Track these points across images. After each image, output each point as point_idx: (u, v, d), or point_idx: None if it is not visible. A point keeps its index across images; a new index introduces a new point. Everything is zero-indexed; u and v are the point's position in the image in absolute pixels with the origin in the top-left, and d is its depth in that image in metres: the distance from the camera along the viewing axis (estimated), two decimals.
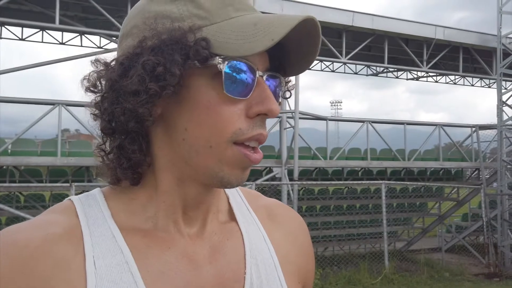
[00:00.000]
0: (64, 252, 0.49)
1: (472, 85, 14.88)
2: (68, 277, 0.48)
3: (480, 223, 11.12)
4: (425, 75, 13.23)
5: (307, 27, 0.52)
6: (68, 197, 0.57)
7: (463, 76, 13.11)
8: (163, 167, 0.55)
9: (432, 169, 11.78)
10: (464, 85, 14.79)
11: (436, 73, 12.51)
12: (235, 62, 0.50)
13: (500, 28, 10.11)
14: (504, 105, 10.50)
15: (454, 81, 14.55)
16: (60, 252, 0.49)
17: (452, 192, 12.14)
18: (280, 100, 0.60)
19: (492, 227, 10.21)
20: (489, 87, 14.76)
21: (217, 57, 0.49)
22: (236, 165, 0.52)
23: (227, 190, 0.65)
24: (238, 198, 0.66)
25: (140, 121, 0.50)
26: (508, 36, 10.39)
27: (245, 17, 0.52)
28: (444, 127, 10.93)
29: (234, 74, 0.50)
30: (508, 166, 10.20)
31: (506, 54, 10.17)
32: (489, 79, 12.93)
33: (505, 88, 10.79)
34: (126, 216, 0.55)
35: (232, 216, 0.63)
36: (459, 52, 11.08)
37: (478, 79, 14.06)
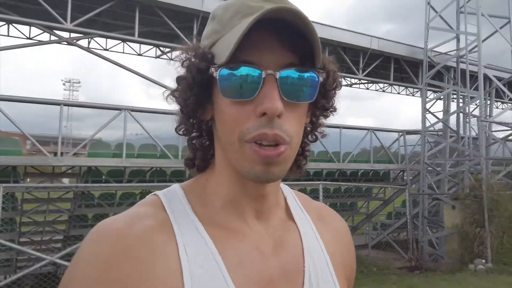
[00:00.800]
0: (161, 241, 0.54)
1: (399, 93, 16.14)
2: (166, 263, 0.53)
3: (403, 221, 12.07)
4: (358, 82, 14.07)
5: (286, 15, 0.51)
6: (153, 193, 0.62)
7: (392, 84, 14.13)
8: (220, 162, 0.61)
9: (362, 170, 12.55)
10: (391, 92, 15.99)
11: (370, 81, 13.35)
12: (225, 69, 0.53)
13: (427, 42, 11.10)
14: (427, 112, 11.52)
15: (383, 88, 15.66)
16: (157, 241, 0.54)
17: (380, 192, 13.03)
18: (330, 97, 0.62)
19: (413, 224, 11.12)
20: (413, 95, 16.11)
21: (211, 67, 0.55)
22: (254, 161, 0.54)
23: (284, 191, 0.70)
24: (293, 199, 0.71)
25: (186, 127, 0.62)
26: (433, 49, 11.42)
27: (243, 22, 0.53)
28: (375, 131, 11.67)
29: (227, 79, 0.53)
30: (429, 168, 11.18)
31: (431, 66, 11.19)
32: (415, 88, 14.05)
33: (428, 97, 11.86)
34: (203, 209, 0.60)
35: (290, 215, 0.68)
36: (390, 62, 11.94)
37: (404, 87, 15.27)
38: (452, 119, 11.80)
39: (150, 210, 0.58)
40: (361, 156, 12.15)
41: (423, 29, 11.15)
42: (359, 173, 12.88)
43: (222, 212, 0.60)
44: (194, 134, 0.63)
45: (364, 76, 11.68)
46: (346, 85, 14.58)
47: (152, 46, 11.28)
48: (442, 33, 11.65)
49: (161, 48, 11.36)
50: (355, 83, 14.44)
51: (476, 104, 11.25)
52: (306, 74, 0.55)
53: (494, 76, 11.32)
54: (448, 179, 11.34)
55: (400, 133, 11.98)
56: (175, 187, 0.63)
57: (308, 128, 0.65)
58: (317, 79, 0.56)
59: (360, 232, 13.82)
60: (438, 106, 13.72)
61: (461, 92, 11.47)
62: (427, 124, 11.44)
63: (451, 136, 11.61)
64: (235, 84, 0.53)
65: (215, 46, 0.57)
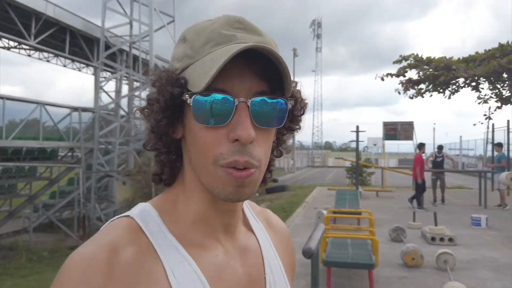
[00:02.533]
0: (151, 266, 0.54)
1: (65, 66, 15.30)
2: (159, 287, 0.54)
3: (68, 199, 11.84)
4: (30, 48, 12.29)
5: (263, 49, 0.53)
6: (124, 214, 0.60)
7: (67, 58, 13.27)
8: (189, 179, 0.63)
9: (25, 148, 11.23)
10: (57, 64, 14.94)
11: (43, 49, 11.94)
12: (198, 96, 0.54)
13: (104, 21, 11.18)
14: (101, 91, 11.70)
15: (47, 58, 14.40)
16: (148, 266, 0.54)
17: (45, 171, 12.13)
18: (297, 121, 0.66)
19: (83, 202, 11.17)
20: (79, 70, 15.74)
21: (185, 94, 0.56)
22: (227, 183, 0.56)
23: None
24: (246, 208, 0.74)
25: (156, 144, 0.62)
26: (110, 30, 11.65)
27: (216, 52, 0.55)
28: (46, 106, 10.73)
29: (200, 106, 0.55)
30: (101, 146, 11.49)
31: (108, 47, 11.38)
32: (91, 65, 13.78)
33: (104, 77, 12.04)
34: (177, 228, 0.60)
35: (248, 225, 0.72)
36: (66, 33, 11.19)
37: (71, 61, 14.65)
38: (123, 101, 12.54)
39: (129, 235, 0.56)
40: (29, 132, 10.84)
41: (100, 4, 11.12)
42: (23, 152, 11.45)
43: (194, 229, 0.61)
44: (163, 150, 0.63)
45: (37, 43, 10.41)
46: (7, 48, 12.41)
47: None
48: (117, 16, 12.04)
49: None
50: (26, 49, 12.53)
51: (145, 90, 12.44)
52: (277, 102, 0.57)
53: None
54: (118, 157, 12.04)
55: (74, 110, 11.55)
56: (147, 207, 0.61)
57: (274, 143, 0.66)
58: (286, 106, 0.59)
59: (18, 216, 12.40)
60: (110, 86, 14.08)
61: (132, 75, 12.33)
62: (101, 103, 11.64)
63: (122, 116, 12.33)
64: (208, 111, 0.54)
65: (188, 71, 0.58)
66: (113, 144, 12.02)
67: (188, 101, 0.55)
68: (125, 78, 12.83)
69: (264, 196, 15.65)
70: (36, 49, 12.18)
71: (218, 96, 0.54)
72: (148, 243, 0.56)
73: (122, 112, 12.48)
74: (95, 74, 12.00)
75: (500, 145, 11.56)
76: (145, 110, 0.61)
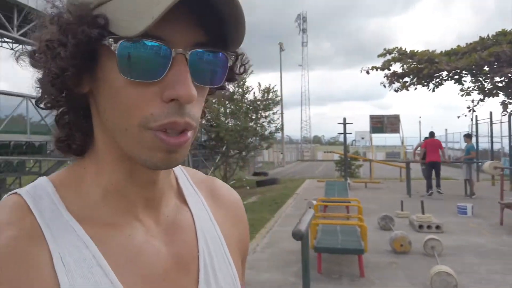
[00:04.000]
0: (30, 253, 0.45)
1: None
2: (39, 278, 0.44)
3: None
4: (13, 42, 12.09)
5: None
6: (13, 191, 0.51)
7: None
8: (102, 145, 0.52)
9: (13, 142, 11.11)
10: None
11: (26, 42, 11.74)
12: (128, 42, 0.44)
13: None
14: None
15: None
16: (26, 254, 0.45)
17: (34, 165, 12.00)
18: (234, 80, 0.58)
19: None
20: None
21: (109, 38, 0.45)
22: (157, 149, 0.47)
23: (176, 171, 0.64)
24: (184, 178, 0.65)
25: (56, 99, 0.50)
26: None
27: None
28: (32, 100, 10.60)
29: (129, 55, 0.44)
30: None
31: None
32: None
33: None
34: (80, 205, 0.51)
35: (181, 196, 0.62)
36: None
37: None
38: None
39: (11, 215, 0.47)
40: (16, 126, 10.70)
41: None
42: (11, 146, 11.31)
43: (104, 206, 0.52)
44: (62, 109, 0.52)
45: (20, 35, 10.25)
46: None
47: None
48: None
49: None
50: (8, 42, 12.33)
51: None
52: (218, 55, 0.50)
53: None
54: None
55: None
56: (42, 181, 0.52)
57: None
58: (226, 62, 0.51)
59: None
60: None
61: None
62: None
63: None
64: (138, 61, 0.45)
65: (108, 8, 0.46)
66: None
67: (112, 48, 0.44)
68: None
69: (255, 189, 15.72)
70: (18, 42, 11.98)
71: (153, 44, 0.44)
72: (33, 225, 0.47)
73: None
74: None
75: (469, 136, 11.77)
76: (39, 55, 0.48)
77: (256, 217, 8.44)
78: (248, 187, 16.57)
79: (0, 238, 0.44)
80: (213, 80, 0.51)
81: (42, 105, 0.51)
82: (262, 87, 19.25)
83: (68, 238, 0.48)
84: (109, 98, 0.48)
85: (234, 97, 17.92)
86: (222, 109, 17.52)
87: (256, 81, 36.77)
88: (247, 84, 18.88)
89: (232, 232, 0.66)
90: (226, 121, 17.64)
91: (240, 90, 18.52)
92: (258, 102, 19.18)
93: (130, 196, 0.54)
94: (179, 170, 0.65)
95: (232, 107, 17.96)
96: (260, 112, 19.24)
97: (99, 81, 0.48)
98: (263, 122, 19.33)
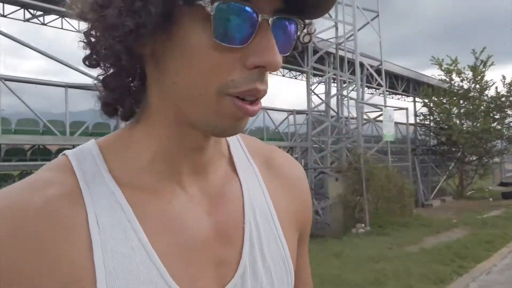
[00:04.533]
0: (66, 212, 0.46)
1: (283, 76, 17.17)
2: (73, 238, 0.45)
3: None
4: None
5: None
6: (63, 152, 0.52)
7: (285, 68, 14.87)
8: (156, 110, 0.51)
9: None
10: (276, 74, 16.90)
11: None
12: (226, 4, 0.43)
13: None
14: (312, 94, 12.54)
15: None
16: (62, 212, 0.46)
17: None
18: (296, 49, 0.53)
19: None
20: (296, 78, 17.32)
21: None
22: (229, 116, 0.47)
23: (228, 138, 0.61)
24: (238, 145, 0.63)
25: (118, 59, 0.46)
26: (316, 35, 12.37)
27: None
28: (268, 111, 12.24)
29: (225, 18, 0.43)
30: (315, 145, 12.25)
31: (315, 51, 12.15)
32: (301, 71, 15.06)
33: (311, 81, 12.91)
34: (123, 169, 0.51)
35: (232, 165, 0.60)
36: None
37: (288, 70, 16.29)
38: (332, 101, 13.06)
39: (55, 175, 0.48)
40: (255, 134, 12.63)
41: None
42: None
43: (149, 171, 0.51)
44: (125, 70, 0.49)
45: None
46: None
47: (19, 7, 9.65)
48: (322, 21, 12.66)
49: (30, 10, 9.78)
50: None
51: (353, 89, 12.63)
52: (293, 23, 0.48)
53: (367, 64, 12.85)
54: (330, 155, 12.57)
55: (290, 113, 12.75)
56: (90, 144, 0.53)
57: None
58: (296, 31, 0.49)
59: None
60: (319, 89, 14.97)
61: (340, 76, 12.69)
62: (312, 105, 12.46)
63: (332, 116, 12.85)
64: (230, 25, 0.43)
65: None
66: (326, 143, 12.63)
67: (208, 9, 0.43)
68: (333, 80, 13.30)
69: (500, 201, 13.32)
70: None
71: (244, 8, 0.43)
72: (74, 185, 0.48)
73: (332, 113, 13.02)
74: (307, 78, 12.92)
75: None
76: (105, 8, 0.44)
77: (497, 233, 7.34)
78: (491, 199, 14.25)
79: (41, 196, 0.46)
80: (287, 48, 0.49)
81: (103, 65, 0.49)
82: (508, 81, 16.20)
83: (106, 200, 0.48)
84: (185, 60, 0.46)
85: (470, 94, 15.73)
86: (455, 109, 15.58)
87: (498, 75, 31.16)
88: (486, 78, 16.27)
89: (288, 205, 0.62)
90: (459, 122, 15.59)
91: (478, 86, 16.09)
92: (503, 99, 16.24)
93: (176, 162, 0.53)
94: (233, 138, 0.62)
95: (467, 106, 15.77)
96: (506, 110, 16.23)
97: (173, 42, 0.46)
98: (510, 122, 16.23)
